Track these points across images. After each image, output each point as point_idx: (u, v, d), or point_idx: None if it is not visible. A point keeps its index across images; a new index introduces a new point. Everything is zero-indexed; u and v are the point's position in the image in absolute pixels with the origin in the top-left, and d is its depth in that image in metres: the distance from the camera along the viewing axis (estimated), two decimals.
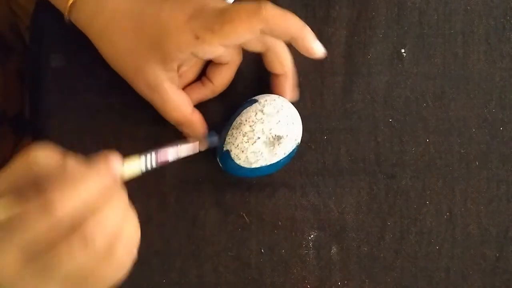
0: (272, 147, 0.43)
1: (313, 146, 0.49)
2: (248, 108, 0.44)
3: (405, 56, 0.50)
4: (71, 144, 0.40)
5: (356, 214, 0.49)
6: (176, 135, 0.46)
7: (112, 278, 0.31)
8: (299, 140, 0.45)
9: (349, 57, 0.49)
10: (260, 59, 0.46)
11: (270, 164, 0.45)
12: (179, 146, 0.40)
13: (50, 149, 0.30)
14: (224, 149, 0.45)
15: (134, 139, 0.48)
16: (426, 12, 0.50)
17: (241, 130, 0.44)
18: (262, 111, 0.44)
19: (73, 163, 0.30)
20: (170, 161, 0.39)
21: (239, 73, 0.48)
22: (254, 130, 0.43)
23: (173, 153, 0.39)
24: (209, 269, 0.49)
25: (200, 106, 0.47)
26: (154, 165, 0.36)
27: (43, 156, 0.30)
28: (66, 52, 0.48)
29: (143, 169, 0.36)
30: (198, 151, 0.43)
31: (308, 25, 0.46)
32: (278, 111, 0.44)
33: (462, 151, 0.50)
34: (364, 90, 0.49)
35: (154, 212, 0.49)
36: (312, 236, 0.49)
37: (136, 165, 0.35)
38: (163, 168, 0.45)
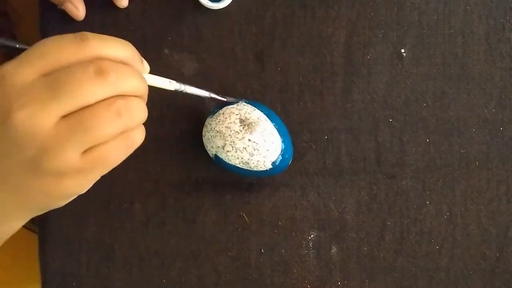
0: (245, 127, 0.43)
1: (313, 146, 0.49)
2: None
3: (405, 56, 0.49)
4: None
5: (356, 214, 0.49)
6: (175, 133, 0.46)
7: (114, 161, 0.32)
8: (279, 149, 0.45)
9: (349, 57, 0.49)
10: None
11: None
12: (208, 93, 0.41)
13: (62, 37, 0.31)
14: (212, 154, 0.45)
15: None
16: (426, 12, 0.49)
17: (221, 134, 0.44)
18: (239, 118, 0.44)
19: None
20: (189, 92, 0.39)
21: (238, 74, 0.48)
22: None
23: (196, 91, 0.40)
24: (209, 269, 0.49)
25: (199, 107, 0.47)
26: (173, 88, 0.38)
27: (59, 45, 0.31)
28: None
29: (163, 86, 0.37)
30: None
31: (307, 25, 0.48)
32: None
33: (462, 151, 0.49)
34: (364, 90, 0.49)
35: (154, 212, 0.49)
36: (312, 236, 0.49)
37: (162, 82, 0.36)
38: (163, 168, 0.47)
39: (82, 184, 0.32)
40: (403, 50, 0.49)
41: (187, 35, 0.49)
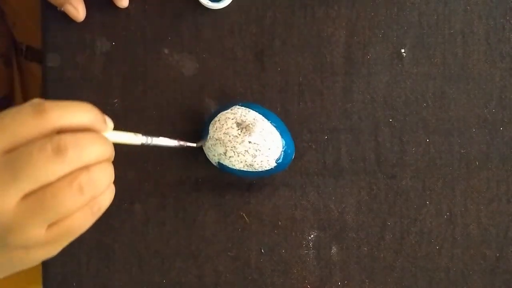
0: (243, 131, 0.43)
1: (313, 146, 0.49)
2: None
3: (405, 56, 0.49)
4: None
5: (356, 214, 0.49)
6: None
7: (80, 229, 0.32)
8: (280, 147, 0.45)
9: (349, 57, 0.49)
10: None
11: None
12: (175, 141, 0.41)
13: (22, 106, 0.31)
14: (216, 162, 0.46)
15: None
16: (426, 12, 0.49)
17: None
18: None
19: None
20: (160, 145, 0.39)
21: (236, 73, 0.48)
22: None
23: (165, 142, 0.40)
24: (209, 269, 0.48)
25: (197, 107, 0.47)
26: (145, 143, 0.37)
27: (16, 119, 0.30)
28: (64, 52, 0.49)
29: (134, 143, 0.37)
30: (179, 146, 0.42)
31: (307, 25, 0.47)
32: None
33: (462, 151, 0.49)
34: (364, 90, 0.49)
35: (154, 212, 0.49)
36: (312, 236, 0.49)
37: (128, 137, 0.36)
38: (163, 169, 0.47)
39: (51, 252, 0.33)
40: (403, 50, 0.49)
41: (187, 35, 0.49)
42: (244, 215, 0.49)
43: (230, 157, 0.44)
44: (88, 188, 0.30)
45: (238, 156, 0.43)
